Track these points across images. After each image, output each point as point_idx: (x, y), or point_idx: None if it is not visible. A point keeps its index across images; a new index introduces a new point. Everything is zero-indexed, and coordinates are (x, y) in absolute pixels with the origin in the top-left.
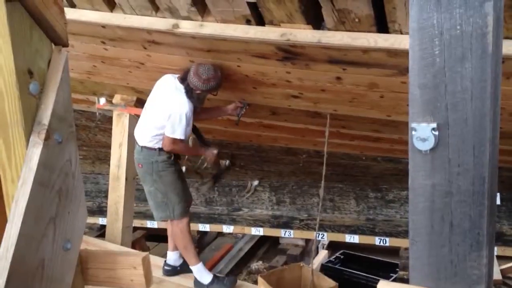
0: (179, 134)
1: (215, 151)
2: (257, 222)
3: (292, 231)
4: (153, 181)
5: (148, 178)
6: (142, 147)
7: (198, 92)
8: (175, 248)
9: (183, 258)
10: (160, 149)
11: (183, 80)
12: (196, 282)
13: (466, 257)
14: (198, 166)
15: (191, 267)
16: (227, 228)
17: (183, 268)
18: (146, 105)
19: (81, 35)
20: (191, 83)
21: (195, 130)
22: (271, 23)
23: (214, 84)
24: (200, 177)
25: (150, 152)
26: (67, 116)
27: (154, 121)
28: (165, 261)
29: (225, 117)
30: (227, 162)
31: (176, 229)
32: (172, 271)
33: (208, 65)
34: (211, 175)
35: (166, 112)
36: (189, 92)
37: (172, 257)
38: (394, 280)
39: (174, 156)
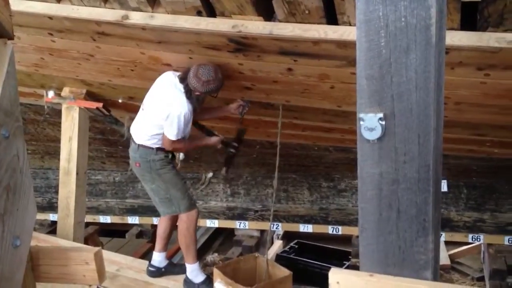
0: (178, 135)
1: (220, 137)
2: (212, 214)
3: (247, 223)
4: (153, 179)
5: (148, 177)
6: (139, 145)
7: (197, 93)
8: (162, 249)
9: (168, 259)
10: (158, 149)
11: (183, 79)
12: (187, 281)
13: (413, 242)
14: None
15: (188, 265)
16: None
17: (168, 270)
18: (144, 101)
19: (28, 26)
20: (191, 84)
21: (194, 123)
22: (222, 15)
23: (214, 86)
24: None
25: (147, 151)
26: (14, 110)
27: (152, 120)
28: (150, 262)
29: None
30: (233, 144)
31: (183, 226)
32: (157, 272)
33: (209, 66)
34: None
35: (165, 112)
36: (188, 93)
37: (157, 258)
38: (347, 268)
39: (171, 155)
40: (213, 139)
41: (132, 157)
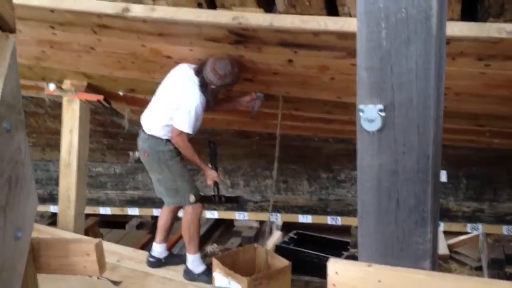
0: (186, 128)
1: (216, 175)
2: (211, 205)
3: (246, 213)
4: (161, 170)
5: (156, 167)
6: (149, 135)
7: (213, 87)
8: (162, 241)
9: (168, 250)
10: (168, 140)
11: (198, 72)
12: (187, 271)
13: (411, 233)
14: None
15: (189, 255)
16: (182, 212)
17: (168, 260)
18: (156, 92)
19: (29, 20)
20: (207, 77)
21: (212, 150)
22: (223, 7)
23: (230, 80)
24: None
25: (156, 141)
26: (16, 103)
27: (164, 111)
28: (150, 252)
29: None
30: (220, 193)
31: (188, 217)
32: (157, 263)
33: (226, 60)
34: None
35: (176, 103)
36: (204, 86)
37: (158, 249)
38: (346, 258)
39: None
40: (210, 172)
41: (140, 147)
